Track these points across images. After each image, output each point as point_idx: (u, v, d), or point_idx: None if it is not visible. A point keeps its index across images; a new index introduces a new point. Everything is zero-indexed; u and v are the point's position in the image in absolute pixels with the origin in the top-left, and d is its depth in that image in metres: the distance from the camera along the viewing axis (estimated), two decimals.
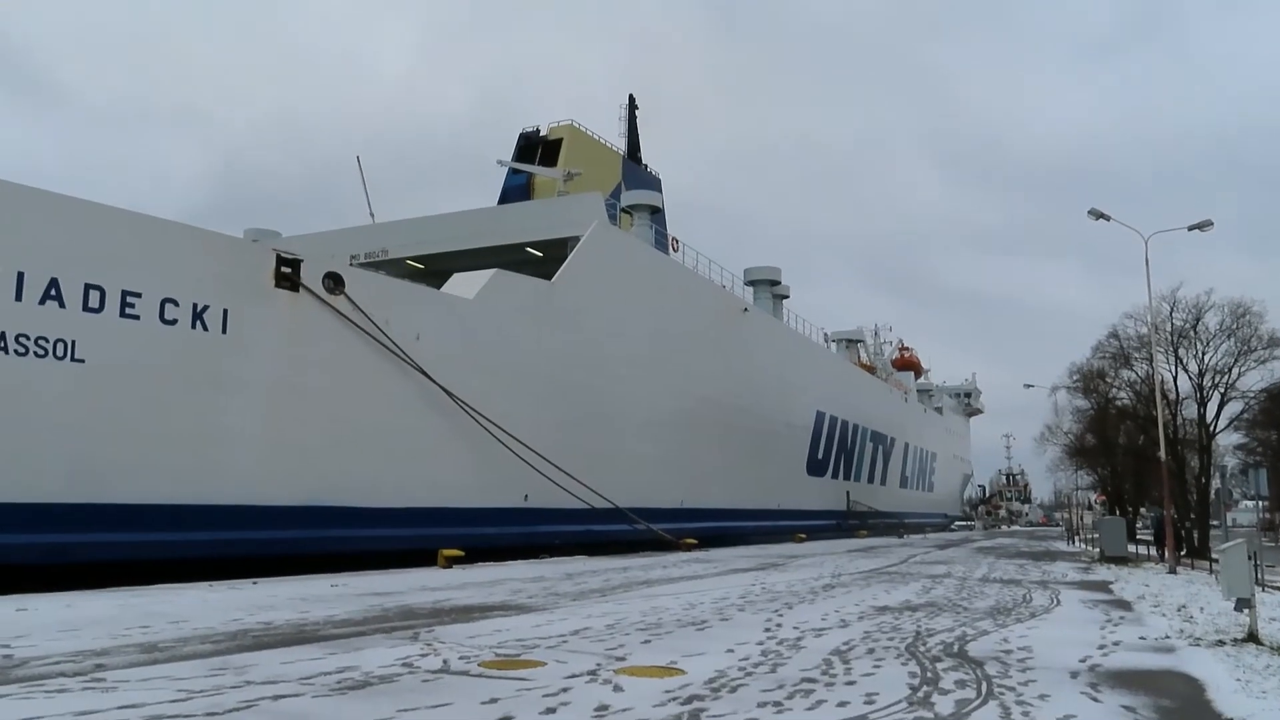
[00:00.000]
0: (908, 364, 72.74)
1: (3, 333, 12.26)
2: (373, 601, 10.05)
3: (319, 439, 15.96)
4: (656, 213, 30.55)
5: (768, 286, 40.14)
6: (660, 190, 35.32)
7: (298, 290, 15.75)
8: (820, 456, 42.30)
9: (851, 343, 56.72)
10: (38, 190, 13.03)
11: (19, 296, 12.41)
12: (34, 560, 12.15)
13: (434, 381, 17.69)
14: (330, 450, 16.14)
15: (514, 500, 20.15)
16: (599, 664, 5.91)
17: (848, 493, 46.29)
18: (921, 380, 74.03)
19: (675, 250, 31.33)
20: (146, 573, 12.40)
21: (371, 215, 30.75)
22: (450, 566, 16.13)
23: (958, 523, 75.76)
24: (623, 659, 6.15)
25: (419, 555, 16.59)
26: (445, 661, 5.96)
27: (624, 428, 24.71)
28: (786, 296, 41.35)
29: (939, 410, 73.55)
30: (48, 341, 12.64)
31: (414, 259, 26.59)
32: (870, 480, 50.85)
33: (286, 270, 15.63)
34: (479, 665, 5.83)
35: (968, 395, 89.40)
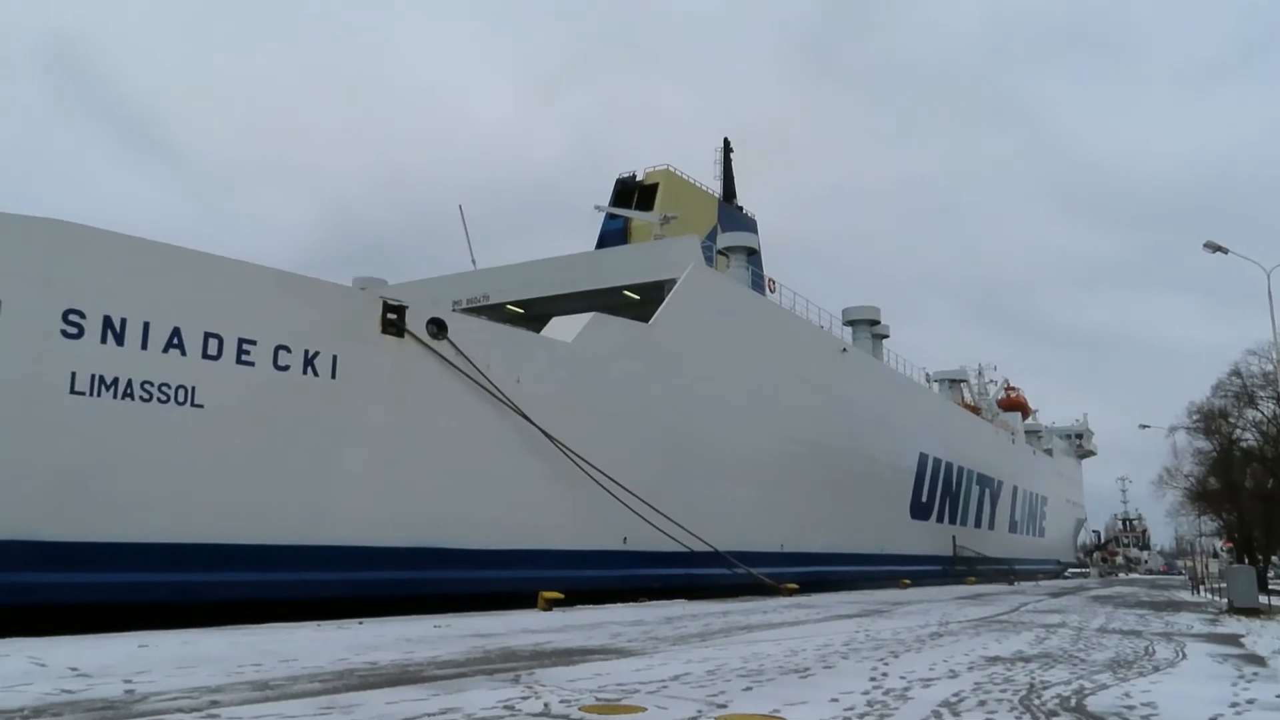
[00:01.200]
0: (1014, 404, 70.48)
1: (129, 380, 12.91)
2: (475, 643, 10.12)
3: (423, 481, 16.28)
4: (753, 254, 30.52)
5: (867, 326, 39.57)
6: (756, 231, 35.30)
7: (403, 336, 16.20)
8: (924, 500, 41.18)
9: (954, 382, 55.34)
10: (160, 244, 13.76)
11: (144, 345, 13.08)
12: (157, 599, 12.64)
13: (534, 424, 17.89)
14: (434, 492, 16.44)
15: (613, 543, 20.14)
16: (700, 710, 5.81)
17: (954, 537, 44.87)
18: (1029, 421, 71.62)
19: (772, 291, 31.18)
20: (259, 612, 12.77)
21: (473, 261, 31.53)
22: (550, 609, 16.16)
23: (1071, 570, 72.56)
24: (724, 706, 6.03)
25: (519, 597, 16.68)
26: (546, 705, 5.94)
27: (723, 470, 24.52)
28: (886, 336, 40.68)
29: (1049, 452, 70.91)
30: (170, 388, 13.26)
31: (514, 304, 27.12)
32: (977, 525, 49.21)
33: (392, 317, 16.11)
34: (579, 709, 5.79)
35: (1079, 436, 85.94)
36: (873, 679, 7.61)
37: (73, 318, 12.48)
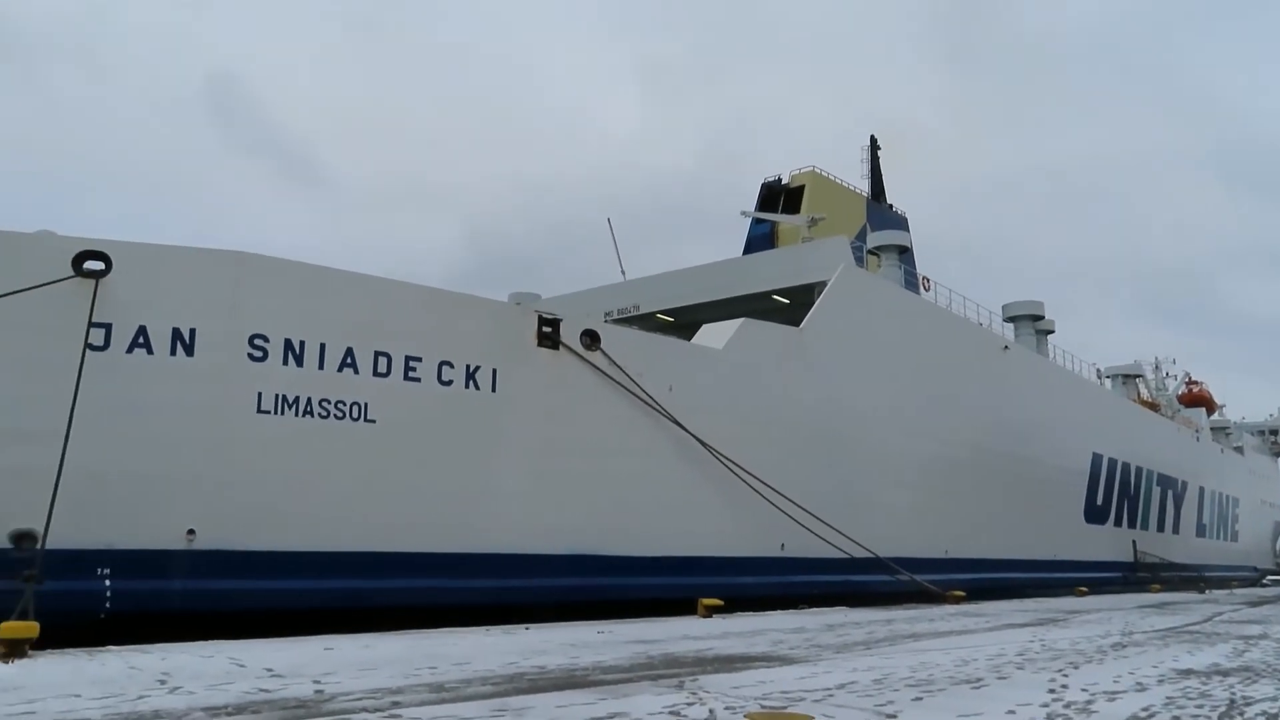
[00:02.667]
0: (1197, 399, 65.72)
1: (309, 398, 13.76)
2: (638, 649, 10.25)
3: (581, 490, 16.64)
4: (905, 252, 29.74)
5: (1029, 322, 37.84)
6: (908, 229, 34.41)
7: (558, 348, 16.62)
8: (1099, 502, 38.96)
9: (1129, 378, 52.13)
10: (331, 269, 14.61)
11: (321, 365, 13.92)
12: (336, 604, 13.40)
13: (688, 431, 17.99)
14: (592, 501, 16.77)
15: (770, 550, 19.99)
16: None
17: (1134, 542, 42.24)
18: (1216, 417, 66.63)
19: (927, 290, 30.28)
20: (430, 617, 13.34)
21: (623, 273, 32.01)
22: (710, 615, 16.18)
23: (1270, 576, 67.02)
24: (893, 716, 5.90)
25: (678, 604, 16.78)
26: (711, 711, 5.96)
27: (881, 474, 23.96)
28: (1051, 331, 38.76)
29: (1239, 450, 65.80)
30: (345, 404, 14.05)
31: (664, 313, 27.37)
32: (1160, 528, 46.16)
33: (547, 330, 16.55)
34: (745, 716, 5.78)
35: (1274, 433, 79.34)
36: (1051, 691, 7.27)
37: (257, 342, 13.41)
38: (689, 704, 6.25)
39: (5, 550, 11.53)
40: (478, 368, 15.53)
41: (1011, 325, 37.66)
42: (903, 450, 25.01)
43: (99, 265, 12.49)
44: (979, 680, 7.85)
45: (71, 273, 12.33)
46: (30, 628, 9.32)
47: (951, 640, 12.01)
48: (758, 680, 7.62)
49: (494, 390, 15.70)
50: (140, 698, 6.41)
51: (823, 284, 23.82)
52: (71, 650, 9.56)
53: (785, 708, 6.14)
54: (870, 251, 29.22)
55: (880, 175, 38.10)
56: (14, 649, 9.00)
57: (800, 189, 32.31)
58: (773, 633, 12.79)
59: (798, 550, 20.19)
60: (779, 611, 17.61)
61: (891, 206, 37.38)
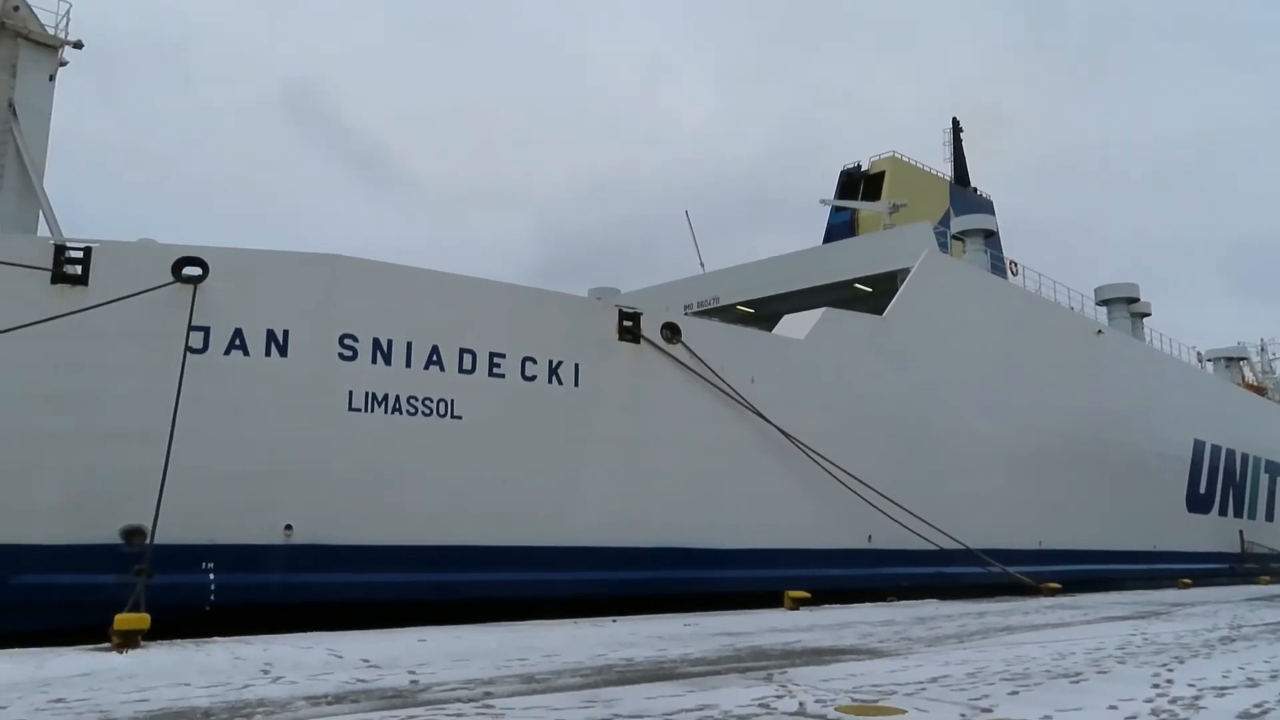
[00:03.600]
0: None
1: (397, 396, 14.08)
2: (724, 641, 10.24)
3: (665, 483, 16.68)
4: (990, 236, 29.02)
5: (1124, 305, 36.58)
6: (993, 213, 33.56)
7: (639, 342, 16.68)
8: (1202, 491, 37.46)
9: (1232, 361, 50.00)
10: (416, 269, 14.90)
11: (408, 364, 14.23)
12: (427, 597, 13.69)
13: (771, 423, 17.88)
14: (675, 494, 16.80)
15: (857, 541, 19.75)
16: (963, 714, 5.59)
17: (1240, 532, 40.52)
18: None
19: (1014, 274, 29.51)
20: (517, 609, 13.54)
21: (701, 265, 31.96)
22: (796, 608, 16.06)
23: None
24: (989, 710, 5.78)
25: (764, 596, 16.70)
26: (801, 704, 5.92)
27: (970, 464, 23.46)
28: (1147, 314, 37.40)
29: None
30: (432, 401, 14.34)
31: (744, 304, 27.24)
32: (1268, 518, 44.18)
33: (628, 324, 16.63)
34: (835, 709, 5.73)
35: None
36: (1155, 685, 7.02)
37: (347, 342, 13.77)
38: (778, 696, 6.22)
39: (117, 545, 12.09)
40: (560, 363, 15.69)
41: (1105, 309, 36.49)
42: (993, 439, 24.44)
43: (197, 271, 12.98)
44: (1078, 674, 7.63)
45: (171, 279, 12.84)
46: (142, 619, 9.75)
47: (1047, 633, 11.70)
48: (847, 673, 7.54)
49: (576, 385, 15.83)
50: (245, 687, 6.65)
51: (906, 271, 23.42)
52: (179, 641, 9.98)
53: (877, 701, 6.07)
54: (954, 237, 28.61)
55: (963, 158, 37.27)
56: (127, 640, 9.43)
57: (880, 175, 31.81)
58: (861, 625, 12.64)
59: (885, 542, 19.91)
60: (866, 604, 17.39)
61: (976, 190, 36.53)
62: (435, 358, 14.44)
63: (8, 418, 12.20)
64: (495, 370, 15.01)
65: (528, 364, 15.35)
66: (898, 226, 26.12)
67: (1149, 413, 33.20)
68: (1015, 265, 29.80)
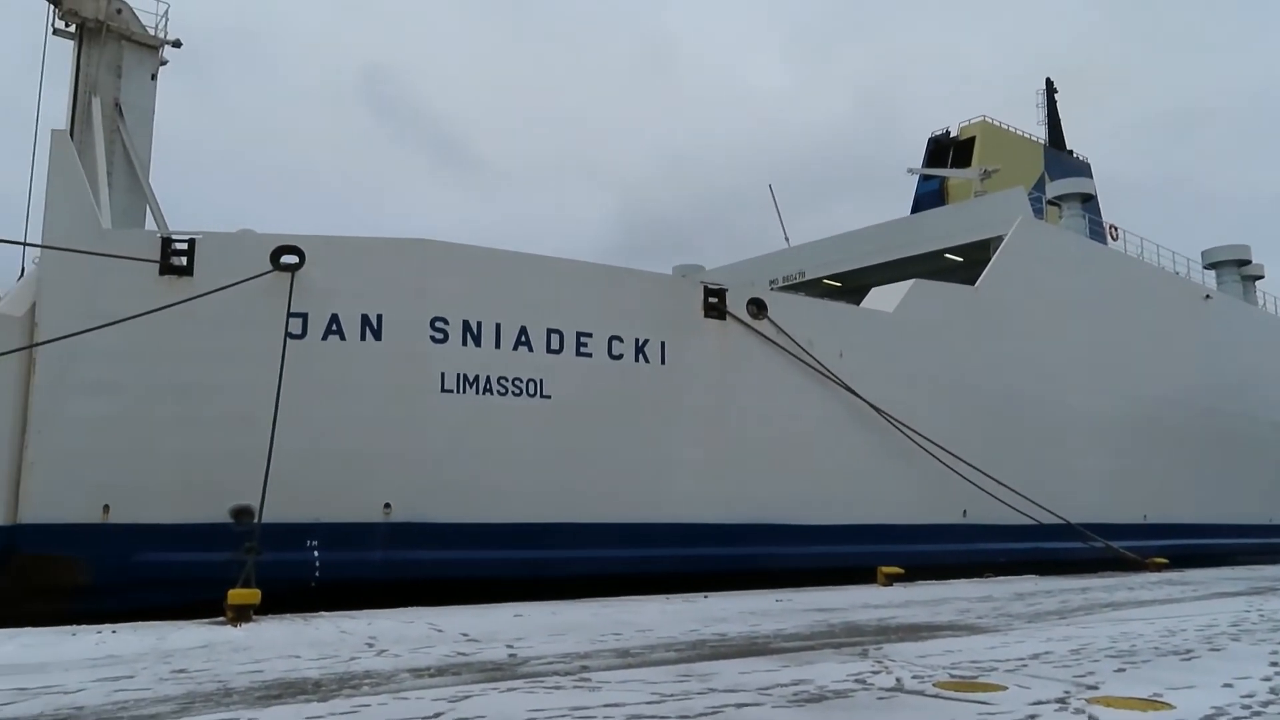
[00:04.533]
0: None
1: (488, 376, 14.32)
2: (818, 617, 10.20)
3: (753, 458, 16.63)
4: (1089, 200, 27.98)
5: (1234, 267, 34.88)
6: (1090, 175, 32.36)
7: (724, 319, 16.62)
8: None
9: None
10: (502, 251, 15.09)
11: (497, 344, 14.45)
12: (522, 573, 13.96)
13: (860, 397, 17.66)
14: (764, 469, 16.73)
15: (952, 516, 19.40)
16: (1067, 691, 5.47)
17: None
18: None
19: (1114, 239, 28.43)
20: (610, 585, 13.71)
21: (786, 239, 31.63)
22: (890, 584, 15.90)
23: None
24: (1094, 688, 5.63)
25: (856, 572, 16.57)
26: (898, 680, 5.87)
27: (1070, 437, 22.78)
28: (1260, 277, 35.60)
29: None
30: (521, 381, 14.55)
31: (830, 278, 26.86)
32: None
33: (714, 300, 16.57)
34: (934, 685, 5.66)
35: None
36: (1274, 664, 6.75)
37: (439, 324, 14.06)
38: (874, 672, 6.18)
39: (227, 525, 12.62)
40: (646, 341, 15.73)
41: (1214, 272, 34.88)
42: (1094, 411, 23.67)
43: (294, 259, 13.39)
44: (1188, 651, 7.38)
45: (271, 268, 13.28)
46: (253, 595, 10.19)
47: (1155, 610, 11.33)
48: (944, 649, 7.44)
49: (663, 362, 15.87)
50: (352, 659, 6.90)
51: (999, 239, 22.78)
52: (288, 615, 10.40)
53: (976, 678, 5.97)
54: (1050, 202, 27.68)
55: (1058, 121, 36.00)
56: (240, 614, 9.87)
57: (970, 141, 30.95)
58: (958, 601, 12.45)
59: (981, 517, 19.51)
60: (963, 580, 17.11)
61: (1072, 153, 35.25)
62: (524, 338, 14.64)
63: (125, 404, 12.82)
64: (582, 349, 15.14)
65: (614, 343, 15.44)
66: (990, 194, 25.36)
67: (1262, 379, 31.69)
68: (1115, 230, 28.71)
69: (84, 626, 9.51)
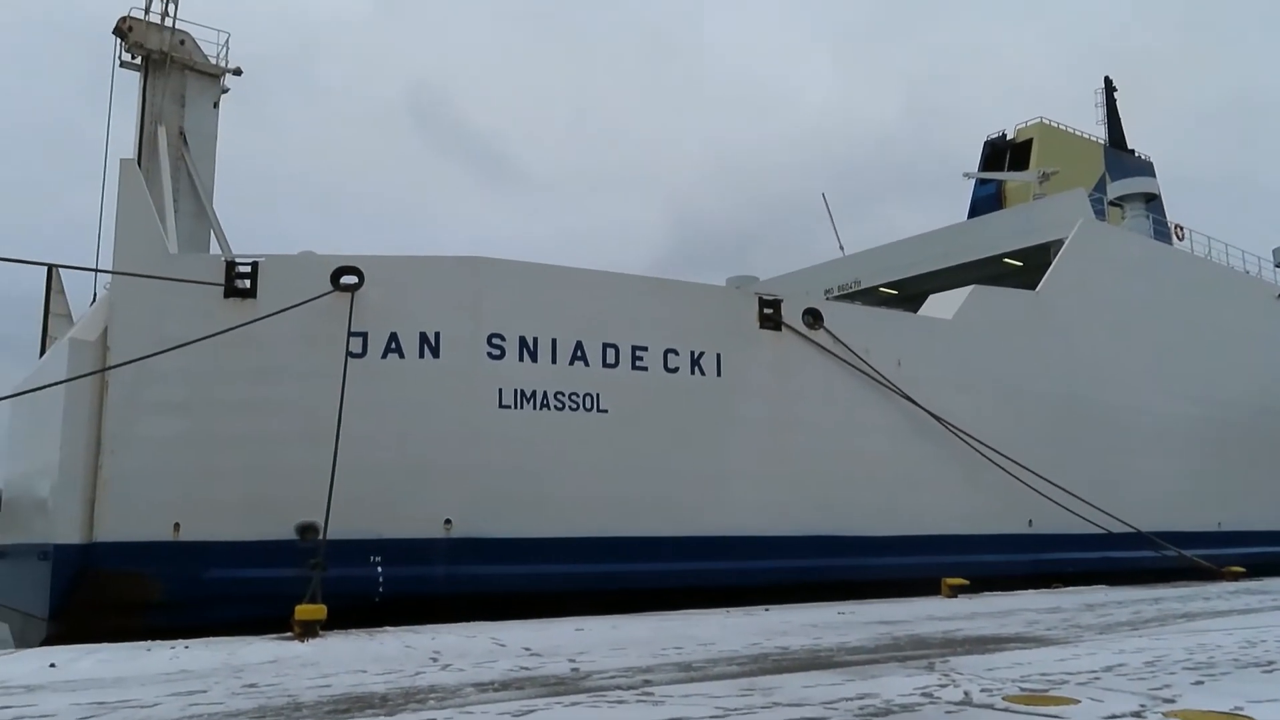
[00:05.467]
0: None
1: (544, 392, 14.42)
2: (881, 629, 10.06)
3: (812, 470, 16.48)
4: (1152, 200, 27.34)
5: None
6: (1153, 175, 31.62)
7: (780, 329, 16.53)
8: None
9: None
10: (557, 267, 15.20)
11: (554, 360, 14.55)
12: (582, 587, 13.98)
13: (920, 406, 17.42)
14: (823, 480, 16.58)
15: (1017, 526, 19.02)
16: (1143, 705, 5.32)
17: None
18: None
19: (1180, 239, 27.73)
20: (669, 598, 13.67)
21: (841, 248, 31.35)
22: (955, 595, 15.64)
23: None
24: (1171, 700, 5.47)
25: (919, 584, 16.31)
26: (966, 693, 5.76)
27: (1138, 442, 22.20)
28: None
29: None
30: (578, 396, 14.62)
31: (886, 286, 26.57)
32: None
33: (769, 311, 16.51)
34: (1003, 699, 5.55)
35: None
36: None
37: (495, 341, 14.19)
38: (941, 685, 6.08)
39: (293, 541, 12.86)
40: (702, 353, 15.71)
41: None
42: (1163, 416, 23.06)
43: (353, 280, 13.64)
44: (1270, 663, 7.14)
45: (331, 288, 13.54)
46: (320, 610, 10.37)
47: (1233, 620, 10.98)
48: (1013, 662, 7.29)
49: (719, 375, 15.82)
50: (417, 674, 6.98)
51: (1059, 242, 22.35)
52: (353, 630, 10.55)
53: (1047, 690, 5.84)
54: (1112, 203, 27.12)
55: (1118, 119, 35.24)
56: (307, 629, 10.04)
57: (1028, 143, 30.44)
58: (1025, 613, 12.19)
59: (1047, 526, 19.09)
60: (1030, 591, 16.77)
61: (1133, 151, 34.48)
62: (579, 353, 14.71)
63: (193, 424, 13.15)
64: (638, 363, 15.17)
65: (670, 356, 15.44)
66: (1049, 196, 24.91)
67: None
68: (1181, 229, 28.01)
69: (158, 642, 9.75)
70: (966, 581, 16.23)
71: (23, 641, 14.90)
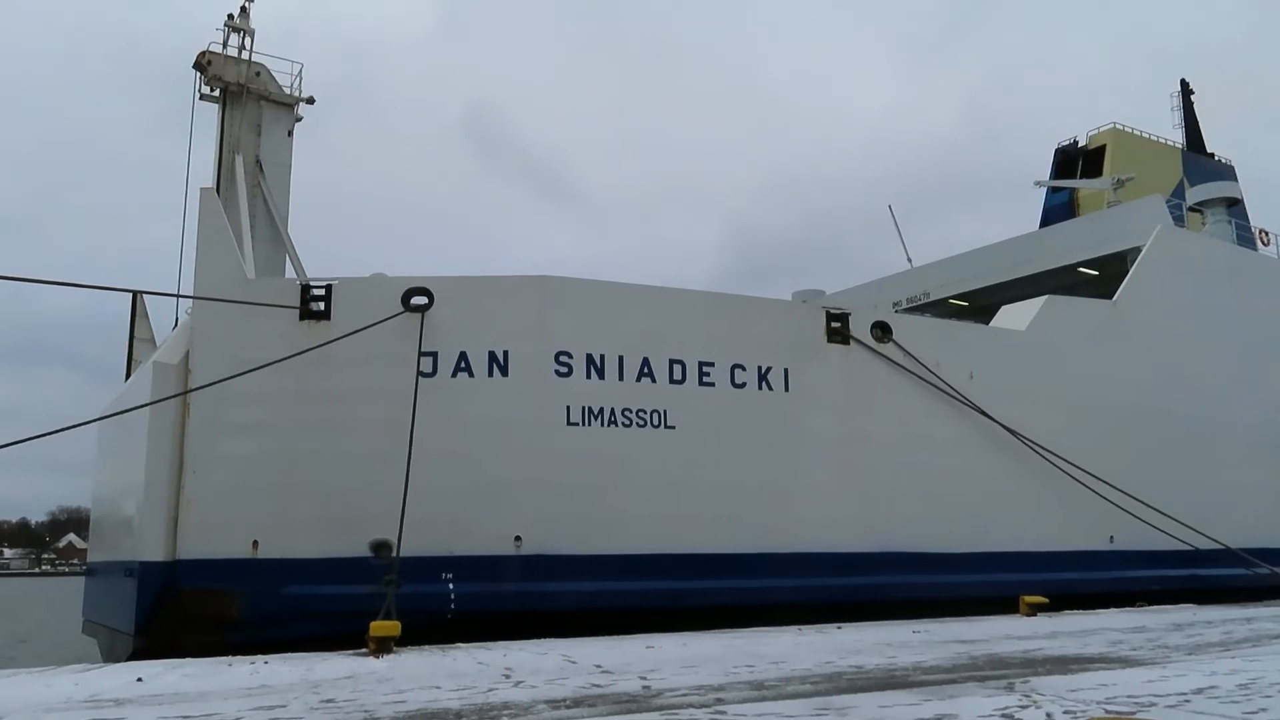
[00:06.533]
0: None
1: (612, 409, 14.46)
2: (958, 649, 9.84)
3: (881, 485, 16.24)
4: (1234, 204, 26.47)
5: None
6: (1235, 179, 30.61)
7: (848, 343, 16.36)
8: None
9: None
10: (622, 284, 15.29)
11: (621, 377, 14.59)
12: (652, 605, 13.94)
13: (994, 420, 17.06)
14: (893, 496, 16.32)
15: (1098, 543, 18.47)
16: None
17: None
18: None
19: (1265, 244, 26.78)
20: (738, 615, 13.54)
21: (909, 260, 30.91)
22: (1034, 614, 15.22)
23: None
24: None
25: (995, 602, 15.92)
26: (1049, 715, 5.60)
27: (1225, 455, 21.40)
28: None
29: None
30: (646, 413, 14.63)
31: (956, 297, 26.13)
32: None
33: (836, 325, 16.35)
34: None
35: None
36: None
37: (563, 358, 14.29)
38: (1022, 707, 5.92)
39: (367, 559, 13.07)
40: (769, 368, 15.62)
41: None
42: (1250, 427, 22.21)
43: (423, 300, 13.87)
44: None
45: (402, 309, 13.79)
46: (394, 627, 10.51)
47: None
48: (1097, 683, 7.07)
49: (787, 389, 15.71)
50: (490, 690, 7.02)
51: (1137, 250, 21.75)
52: (426, 647, 10.67)
53: (1135, 713, 5.65)
54: (1191, 208, 26.31)
55: (1195, 122, 34.19)
56: (382, 646, 10.18)
57: (1101, 149, 29.71)
58: (1109, 632, 11.81)
59: (1130, 543, 18.50)
60: (1112, 610, 16.25)
61: (1213, 155, 33.42)
62: (646, 369, 14.74)
63: (270, 444, 13.48)
64: (705, 379, 15.14)
65: (737, 371, 15.38)
66: (1124, 203, 24.29)
67: None
68: (1266, 234, 27.05)
69: (238, 658, 9.98)
70: (1045, 600, 15.79)
71: (110, 656, 15.39)
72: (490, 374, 14.08)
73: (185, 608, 12.86)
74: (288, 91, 18.89)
